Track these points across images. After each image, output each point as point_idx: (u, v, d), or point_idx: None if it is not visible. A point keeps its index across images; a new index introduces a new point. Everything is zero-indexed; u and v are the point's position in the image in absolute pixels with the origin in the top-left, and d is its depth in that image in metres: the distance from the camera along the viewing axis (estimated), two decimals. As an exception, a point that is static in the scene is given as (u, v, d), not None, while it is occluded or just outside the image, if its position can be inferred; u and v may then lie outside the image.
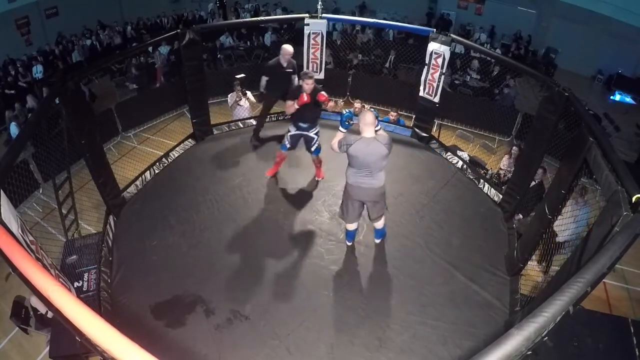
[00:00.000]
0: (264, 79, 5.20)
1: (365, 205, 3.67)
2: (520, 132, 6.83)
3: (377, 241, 4.16)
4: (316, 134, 4.52)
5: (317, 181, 4.97)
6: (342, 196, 3.75)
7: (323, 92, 4.15)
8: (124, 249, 4.16)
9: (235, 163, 5.30)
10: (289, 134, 4.53)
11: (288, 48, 5.03)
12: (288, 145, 4.61)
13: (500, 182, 5.31)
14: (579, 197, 4.02)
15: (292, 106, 4.19)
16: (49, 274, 1.57)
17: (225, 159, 5.38)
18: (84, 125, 3.88)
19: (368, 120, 3.22)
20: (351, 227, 3.92)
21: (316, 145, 4.56)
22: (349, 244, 4.13)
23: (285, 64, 5.07)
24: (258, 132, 5.69)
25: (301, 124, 4.42)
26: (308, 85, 4.14)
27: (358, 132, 3.32)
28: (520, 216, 4.73)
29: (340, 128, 3.52)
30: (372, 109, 3.49)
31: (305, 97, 4.04)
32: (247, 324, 3.43)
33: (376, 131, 3.31)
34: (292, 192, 4.81)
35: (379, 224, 3.95)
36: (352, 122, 3.58)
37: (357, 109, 6.53)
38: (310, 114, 4.36)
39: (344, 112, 3.56)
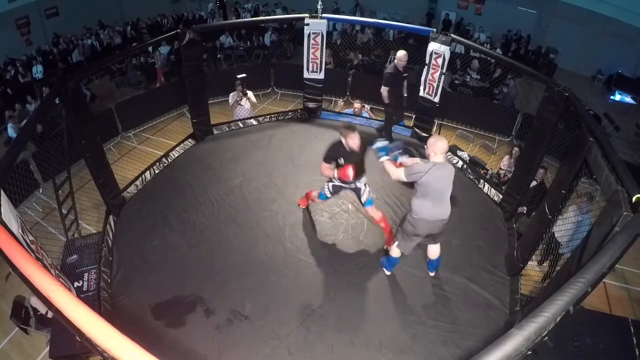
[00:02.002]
0: (386, 89, 5.19)
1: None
2: (520, 132, 6.82)
3: (432, 274, 3.82)
4: (365, 184, 3.86)
5: (317, 181, 4.95)
6: (406, 228, 3.31)
7: (350, 168, 3.49)
8: (124, 249, 4.16)
9: (235, 163, 5.30)
10: (331, 184, 3.89)
11: (404, 54, 5.09)
12: (328, 196, 4.02)
13: (500, 182, 5.31)
14: (583, 204, 3.98)
15: (329, 172, 3.64)
16: (49, 274, 1.57)
17: (225, 159, 5.38)
18: (83, 125, 3.88)
19: (444, 147, 2.92)
20: (398, 255, 3.56)
21: (366, 195, 3.85)
22: (389, 273, 3.79)
23: (401, 70, 5.16)
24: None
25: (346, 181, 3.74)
26: (355, 142, 3.41)
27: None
28: (525, 208, 4.70)
29: (388, 158, 3.25)
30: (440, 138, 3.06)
31: (350, 172, 3.44)
32: (247, 324, 3.43)
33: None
34: (292, 192, 4.80)
35: (436, 253, 3.60)
36: (397, 152, 3.32)
37: (356, 109, 6.53)
38: (358, 168, 3.64)
39: (383, 146, 3.29)
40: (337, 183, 3.84)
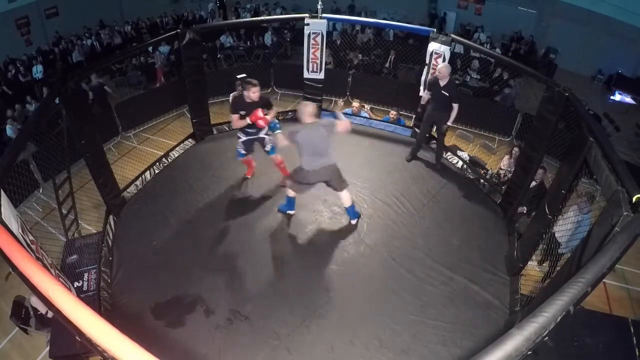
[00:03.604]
0: (428, 93, 5.03)
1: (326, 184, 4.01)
2: (521, 132, 6.82)
3: (354, 222, 4.35)
4: (266, 134, 4.47)
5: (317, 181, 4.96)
6: (295, 176, 3.96)
7: (260, 111, 4.08)
8: (124, 249, 4.16)
9: (235, 163, 5.29)
10: (240, 140, 4.48)
11: (446, 69, 4.75)
12: (243, 152, 4.57)
13: (500, 182, 5.31)
14: (583, 204, 3.98)
15: (241, 122, 4.16)
16: (49, 274, 1.57)
17: (225, 159, 5.38)
18: (84, 125, 3.88)
19: (309, 110, 3.64)
20: (293, 194, 4.25)
21: (269, 145, 4.50)
22: (292, 212, 4.40)
23: (442, 84, 4.77)
24: (416, 152, 5.53)
25: (249, 130, 4.36)
26: (255, 94, 4.06)
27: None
28: (525, 208, 4.70)
29: (275, 132, 4.11)
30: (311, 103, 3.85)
31: (260, 114, 4.02)
32: (247, 323, 3.43)
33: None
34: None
35: (347, 201, 4.18)
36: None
37: (355, 108, 6.54)
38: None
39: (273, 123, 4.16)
40: (244, 138, 4.41)
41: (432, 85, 4.93)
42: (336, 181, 3.96)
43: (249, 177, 4.99)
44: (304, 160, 3.75)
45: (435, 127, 5.36)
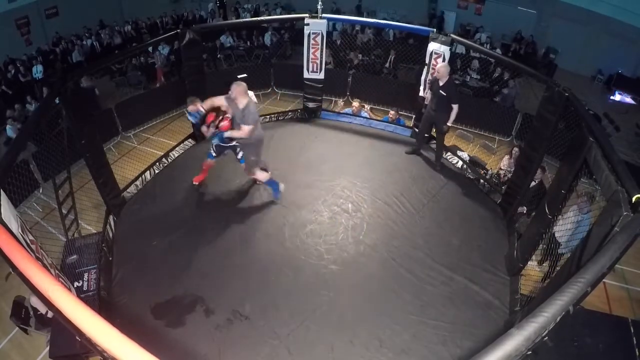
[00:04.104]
0: (429, 93, 5.06)
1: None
2: (520, 132, 6.82)
3: (277, 199, 4.67)
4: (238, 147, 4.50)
5: (317, 181, 4.97)
6: (249, 157, 4.41)
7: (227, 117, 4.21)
8: (124, 249, 4.17)
9: (235, 163, 5.28)
10: (214, 143, 4.56)
11: (444, 68, 4.71)
12: (214, 155, 4.64)
13: (500, 182, 5.31)
14: (583, 204, 3.98)
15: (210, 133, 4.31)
16: (49, 274, 1.57)
17: (225, 159, 5.36)
18: (83, 125, 3.88)
19: (244, 88, 4.09)
20: (267, 176, 4.58)
21: (241, 154, 4.49)
22: (278, 197, 4.64)
23: (441, 84, 4.75)
24: (417, 150, 5.63)
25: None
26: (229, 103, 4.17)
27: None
28: (525, 208, 4.70)
29: (193, 119, 4.53)
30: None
31: (227, 123, 4.20)
32: (247, 323, 3.43)
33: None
34: (292, 192, 4.80)
35: (267, 177, 4.59)
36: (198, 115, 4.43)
37: (354, 108, 6.55)
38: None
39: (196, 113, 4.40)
40: (218, 143, 4.53)
41: (432, 84, 4.94)
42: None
43: (196, 184, 4.89)
44: (258, 131, 4.23)
45: (435, 128, 5.35)
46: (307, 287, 3.74)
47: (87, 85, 7.70)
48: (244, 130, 4.12)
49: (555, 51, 11.10)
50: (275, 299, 3.63)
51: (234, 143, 4.48)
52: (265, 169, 4.62)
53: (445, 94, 4.74)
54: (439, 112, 4.94)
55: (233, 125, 4.22)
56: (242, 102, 4.11)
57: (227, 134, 4.22)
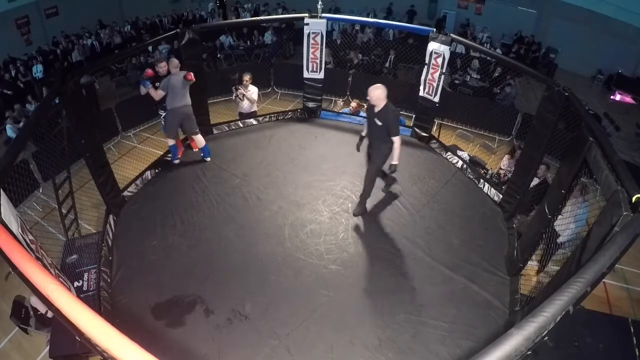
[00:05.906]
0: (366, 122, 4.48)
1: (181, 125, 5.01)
2: (520, 132, 6.82)
3: (208, 159, 5.27)
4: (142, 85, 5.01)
5: (317, 181, 4.97)
6: (166, 123, 5.02)
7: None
8: (124, 249, 4.16)
9: (235, 163, 5.30)
10: (162, 116, 5.14)
11: (376, 91, 3.82)
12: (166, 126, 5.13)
13: (500, 182, 5.31)
14: (579, 195, 4.00)
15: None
16: (49, 274, 1.57)
17: (225, 159, 5.38)
18: (83, 125, 3.87)
19: (175, 63, 4.76)
20: (172, 142, 5.17)
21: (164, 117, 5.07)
22: (177, 161, 5.30)
23: (376, 110, 3.91)
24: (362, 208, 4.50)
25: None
26: (163, 69, 4.90)
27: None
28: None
29: (145, 87, 4.92)
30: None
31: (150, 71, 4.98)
32: (247, 324, 3.43)
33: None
34: (292, 192, 4.80)
35: (200, 142, 5.16)
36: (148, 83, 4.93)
37: (352, 108, 6.57)
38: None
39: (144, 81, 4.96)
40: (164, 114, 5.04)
41: (367, 110, 4.06)
42: (189, 123, 4.98)
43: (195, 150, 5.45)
44: (172, 100, 4.74)
45: (367, 162, 4.27)
46: (307, 287, 3.74)
47: (86, 80, 7.70)
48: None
49: (555, 51, 11.10)
50: (275, 299, 3.62)
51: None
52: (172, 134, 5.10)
53: (380, 124, 3.85)
54: (375, 146, 4.08)
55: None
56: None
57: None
